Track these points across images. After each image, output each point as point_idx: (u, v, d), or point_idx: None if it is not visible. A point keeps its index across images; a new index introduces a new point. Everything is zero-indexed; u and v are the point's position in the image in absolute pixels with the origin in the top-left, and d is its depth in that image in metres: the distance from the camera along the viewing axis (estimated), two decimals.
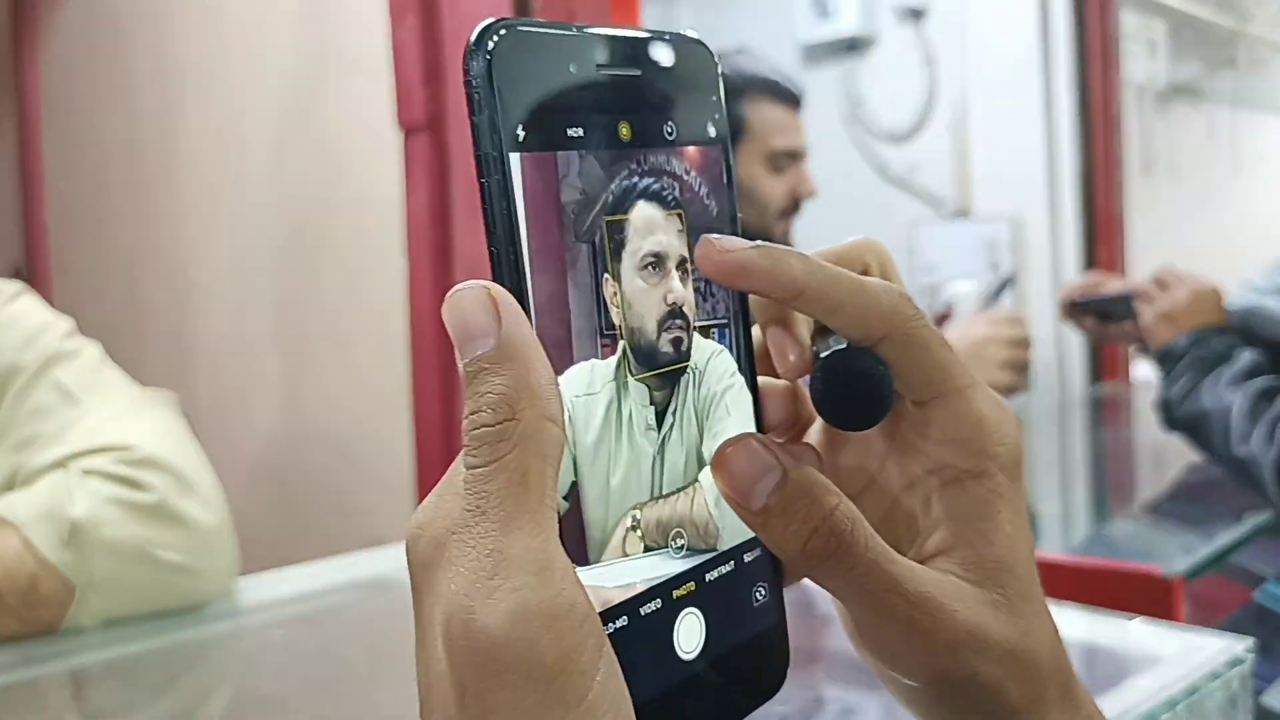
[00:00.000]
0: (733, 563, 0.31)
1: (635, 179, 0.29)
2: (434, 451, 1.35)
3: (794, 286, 0.30)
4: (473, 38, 0.26)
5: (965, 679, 0.30)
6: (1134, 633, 0.69)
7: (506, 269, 0.26)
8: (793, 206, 1.65)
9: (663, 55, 0.30)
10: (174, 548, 0.83)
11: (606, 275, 0.28)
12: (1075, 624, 0.71)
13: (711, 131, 0.31)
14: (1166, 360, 1.35)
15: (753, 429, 0.32)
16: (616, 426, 0.29)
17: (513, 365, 0.25)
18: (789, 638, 0.32)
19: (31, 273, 2.32)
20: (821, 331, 0.33)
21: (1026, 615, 0.31)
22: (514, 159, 0.26)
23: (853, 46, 2.46)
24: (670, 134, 0.30)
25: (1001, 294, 1.76)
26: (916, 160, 2.40)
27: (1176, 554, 1.03)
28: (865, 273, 0.35)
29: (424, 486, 1.38)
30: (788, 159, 1.63)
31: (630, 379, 0.29)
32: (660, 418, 0.30)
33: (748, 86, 1.60)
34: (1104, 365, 2.25)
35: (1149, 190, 2.67)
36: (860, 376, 0.30)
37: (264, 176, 1.70)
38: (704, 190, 0.31)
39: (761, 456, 0.29)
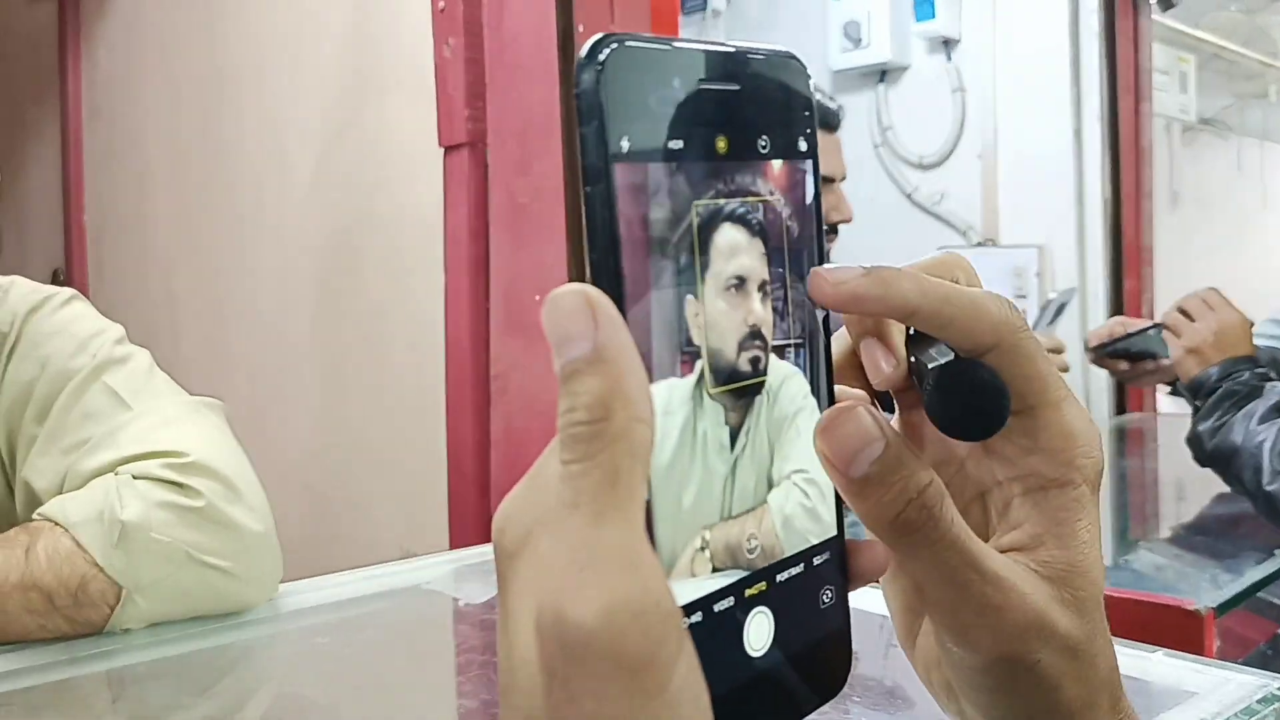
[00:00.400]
0: (803, 565, 0.32)
1: (725, 198, 0.30)
2: (466, 462, 1.37)
3: (908, 308, 0.32)
4: (584, 51, 0.27)
5: (1028, 664, 0.31)
6: (1160, 665, 0.70)
7: (606, 276, 0.27)
8: (829, 229, 1.64)
9: (760, 69, 0.31)
10: (220, 553, 0.85)
11: (690, 294, 0.29)
12: None
13: (802, 146, 0.32)
14: (1197, 394, 1.34)
15: None
16: (691, 446, 0.29)
17: (607, 368, 0.26)
18: (850, 641, 0.33)
19: (69, 277, 2.36)
20: (917, 341, 0.33)
21: (1094, 620, 0.32)
22: (618, 169, 0.27)
23: (883, 75, 2.48)
24: (764, 148, 0.31)
25: (1058, 318, 1.67)
26: (944, 188, 2.41)
27: (1204, 587, 1.03)
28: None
29: (456, 496, 1.39)
30: (824, 183, 1.63)
31: (707, 397, 0.30)
32: (734, 437, 0.30)
33: None
34: (1129, 396, 2.25)
35: (1177, 222, 2.68)
36: (981, 389, 0.31)
37: (305, 189, 1.73)
38: (790, 209, 0.32)
39: (868, 426, 0.30)
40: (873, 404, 0.34)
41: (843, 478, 0.31)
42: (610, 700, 0.24)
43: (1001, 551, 0.32)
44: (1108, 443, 2.21)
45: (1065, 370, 1.49)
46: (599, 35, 0.27)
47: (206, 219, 1.98)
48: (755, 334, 0.31)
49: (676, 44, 0.29)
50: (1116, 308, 2.19)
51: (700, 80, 0.29)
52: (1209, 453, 1.29)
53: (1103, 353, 1.62)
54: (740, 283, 0.30)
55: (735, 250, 0.30)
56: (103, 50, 2.26)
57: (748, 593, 0.30)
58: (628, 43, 0.27)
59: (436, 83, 1.37)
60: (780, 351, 0.32)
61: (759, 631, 0.30)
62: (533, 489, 0.27)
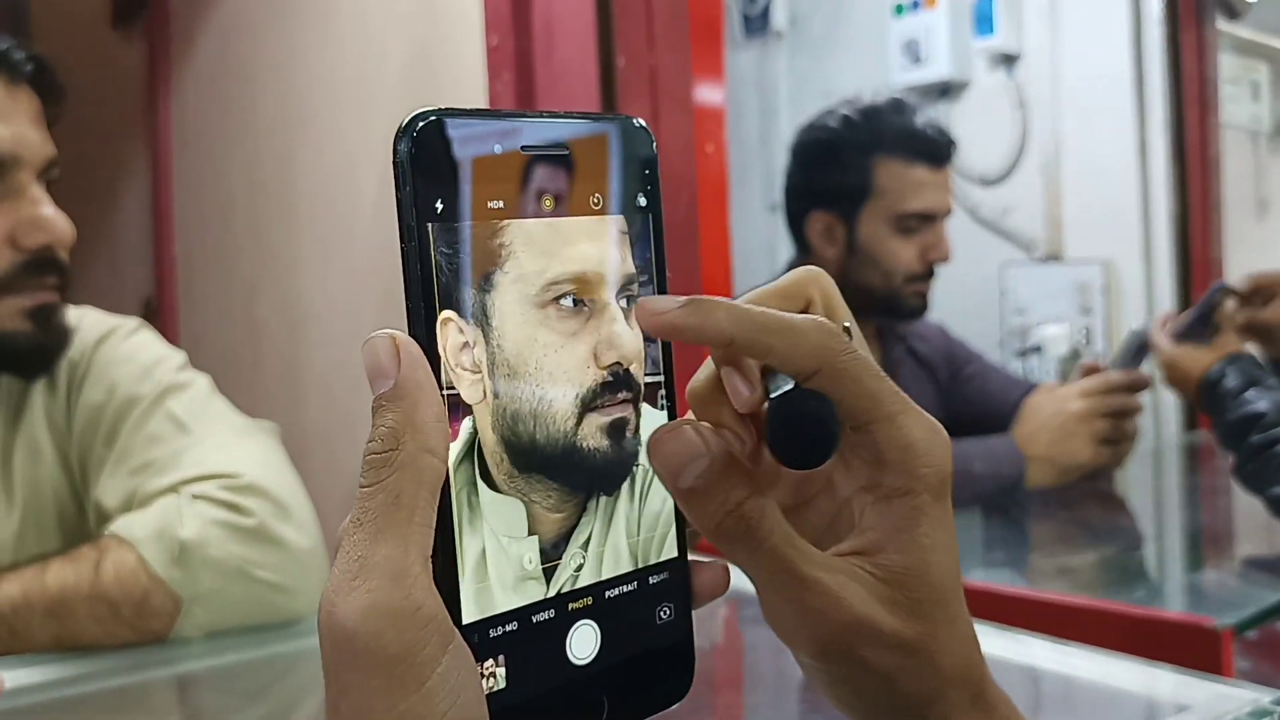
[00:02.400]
0: (635, 583, 0.34)
1: (551, 257, 0.32)
2: None
3: (723, 337, 0.33)
4: (401, 124, 0.29)
5: (852, 661, 0.33)
6: (1161, 681, 0.71)
7: (418, 324, 0.30)
8: (926, 271, 1.55)
9: (591, 134, 0.33)
10: (271, 568, 0.91)
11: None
12: (1101, 669, 0.73)
13: (642, 201, 0.34)
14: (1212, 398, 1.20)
15: None
16: None
17: (403, 403, 0.29)
18: (694, 654, 0.35)
19: (161, 304, 2.47)
20: (769, 370, 0.35)
21: (933, 620, 0.34)
22: (431, 229, 0.29)
23: (944, 91, 2.48)
24: (597, 204, 0.33)
25: (1140, 357, 1.45)
26: (1008, 203, 2.40)
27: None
28: (808, 307, 0.38)
29: None
30: (919, 221, 1.53)
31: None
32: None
33: (877, 145, 1.51)
34: (1199, 412, 2.21)
35: (1263, 233, 2.61)
36: (805, 420, 0.33)
37: (372, 217, 1.80)
38: (627, 259, 0.34)
39: (693, 442, 0.33)
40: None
41: (672, 488, 0.33)
42: (371, 693, 0.27)
43: (845, 553, 0.34)
44: (1177, 460, 2.16)
45: (1133, 412, 1.40)
46: (417, 110, 0.30)
47: (283, 247, 2.06)
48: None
49: (499, 115, 0.31)
50: None
51: (524, 146, 0.31)
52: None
53: (1182, 334, 1.48)
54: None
55: (562, 302, 0.32)
56: (190, 88, 2.37)
57: (571, 606, 0.32)
58: (445, 117, 0.30)
59: None
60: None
61: (583, 642, 0.32)
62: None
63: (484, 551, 0.31)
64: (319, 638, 0.28)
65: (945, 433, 0.35)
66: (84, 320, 1.06)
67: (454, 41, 1.55)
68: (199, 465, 0.93)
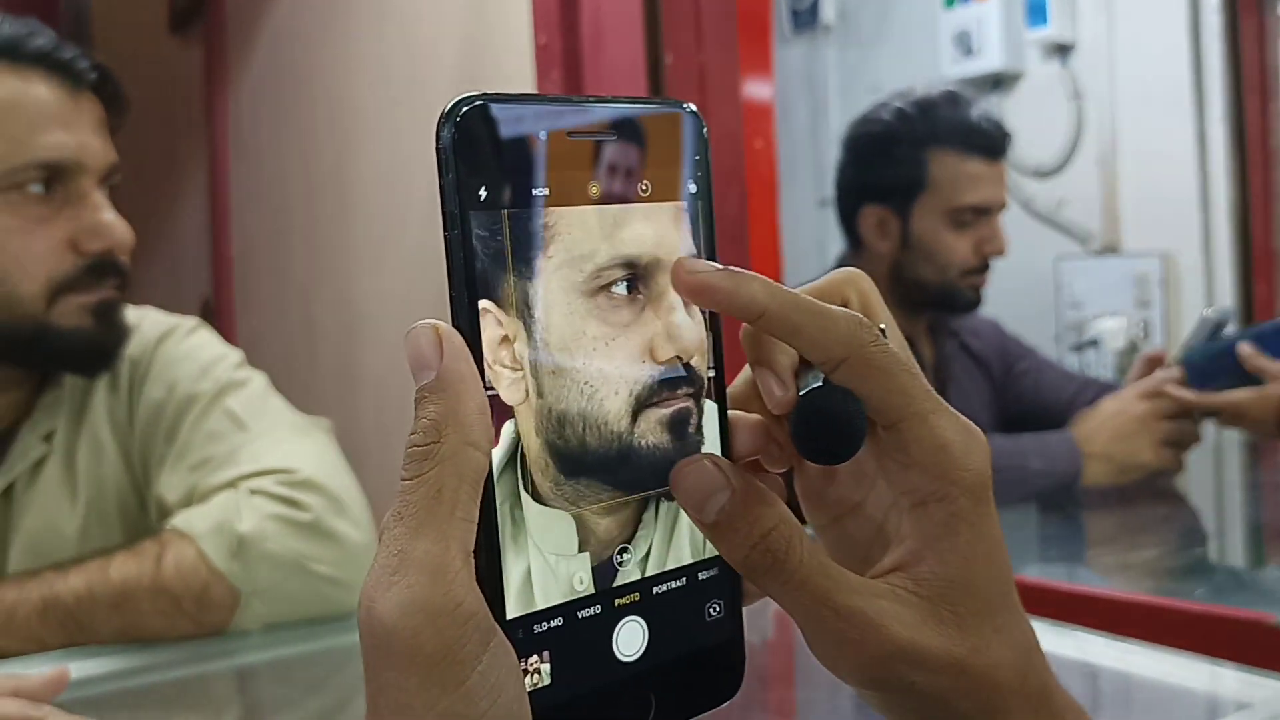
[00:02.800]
0: (684, 579, 0.33)
1: (600, 244, 0.31)
2: None
3: (755, 307, 0.32)
4: (444, 109, 0.29)
5: (902, 688, 0.32)
6: (1225, 679, 0.69)
7: (460, 315, 0.29)
8: (981, 265, 1.53)
9: (638, 119, 0.32)
10: (327, 562, 0.92)
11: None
12: (1161, 667, 0.72)
13: (691, 188, 0.33)
14: None
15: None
16: None
17: (445, 395, 0.28)
18: (745, 651, 0.34)
19: (218, 304, 2.52)
20: (804, 370, 0.34)
21: (982, 633, 0.32)
22: (474, 216, 0.29)
23: (997, 83, 2.45)
24: (645, 191, 0.32)
25: (1216, 339, 1.43)
26: (1063, 195, 2.36)
27: None
28: (844, 305, 0.36)
29: None
30: (974, 214, 1.51)
31: None
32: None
33: (932, 139, 1.50)
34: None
35: None
36: (829, 415, 0.32)
37: (425, 217, 1.82)
38: (678, 246, 0.33)
39: (714, 476, 0.32)
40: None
41: (697, 522, 0.32)
42: (408, 691, 0.27)
43: (886, 570, 0.33)
44: (1238, 456, 2.12)
45: (1189, 439, 1.36)
46: (461, 94, 0.29)
47: (338, 247, 2.09)
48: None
49: (545, 99, 0.30)
50: (1247, 314, 2.11)
51: (570, 131, 0.30)
52: None
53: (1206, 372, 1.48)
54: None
55: (608, 294, 0.31)
56: (246, 92, 2.41)
57: (618, 602, 0.31)
58: (489, 102, 0.29)
59: None
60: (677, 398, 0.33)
61: (631, 639, 0.31)
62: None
63: (529, 571, 0.30)
64: (359, 634, 0.28)
65: (981, 434, 0.33)
66: (144, 320, 1.08)
67: (503, 41, 1.57)
68: (256, 461, 0.95)
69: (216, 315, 2.53)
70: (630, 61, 1.34)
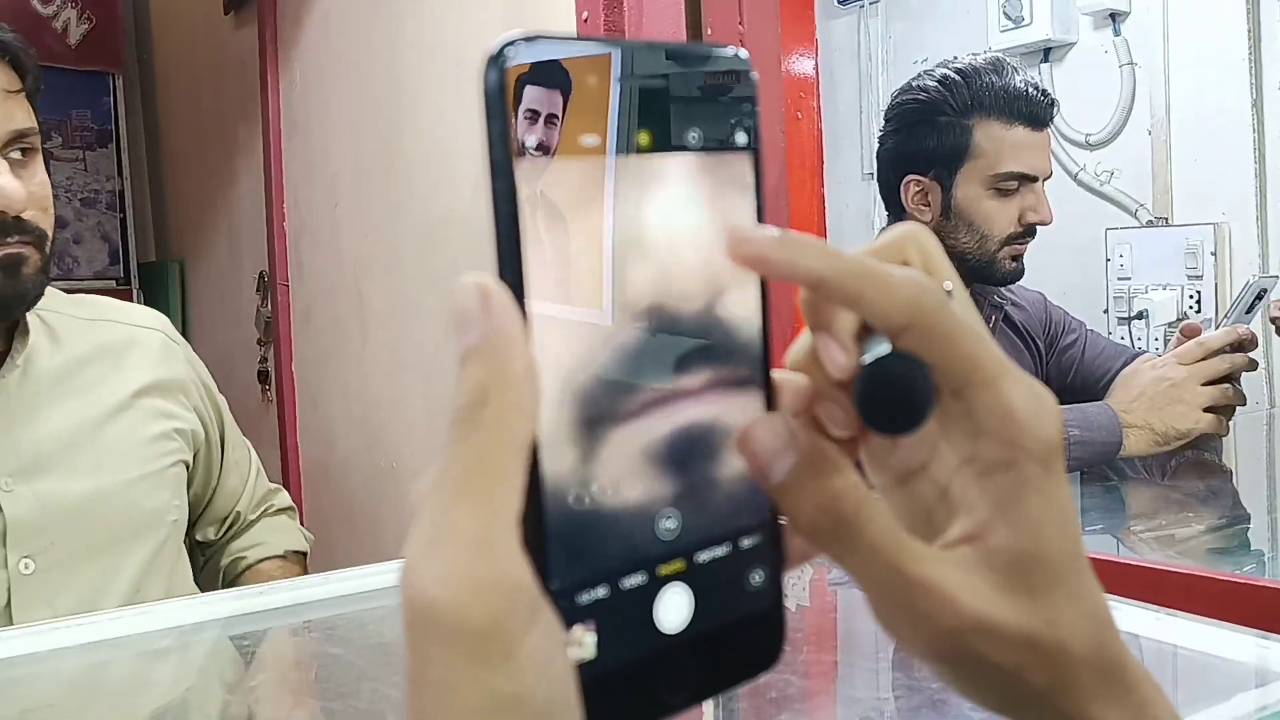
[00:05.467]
0: (729, 546, 0.32)
1: (648, 192, 0.29)
2: None
3: (812, 275, 0.30)
4: (489, 52, 0.27)
5: (972, 660, 0.31)
6: (1273, 651, 0.69)
7: (508, 269, 0.27)
8: (1022, 233, 1.51)
9: (688, 65, 0.30)
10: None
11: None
12: (1207, 638, 0.72)
13: (740, 139, 0.31)
14: None
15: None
16: None
17: (492, 356, 0.27)
18: (785, 620, 0.33)
19: (273, 278, 2.57)
20: (866, 334, 0.32)
21: (1055, 603, 0.31)
22: (520, 165, 0.27)
23: (1047, 53, 2.42)
24: (695, 141, 0.30)
25: (1256, 308, 1.43)
26: (1113, 165, 2.33)
27: None
28: (906, 264, 0.34)
29: None
30: (1017, 181, 1.49)
31: None
32: None
33: (978, 104, 1.48)
34: None
35: None
36: (896, 385, 0.30)
37: (469, 195, 1.84)
38: (722, 199, 0.31)
39: (781, 436, 0.31)
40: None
41: (763, 484, 0.31)
42: (454, 667, 0.25)
43: (954, 541, 0.31)
44: None
45: (1246, 369, 1.37)
46: (507, 35, 0.27)
47: (387, 224, 2.12)
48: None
49: (591, 40, 0.29)
50: None
51: (619, 77, 0.29)
52: None
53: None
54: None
55: (655, 246, 0.30)
56: (298, 70, 2.45)
57: (661, 570, 0.30)
58: (536, 41, 0.27)
59: None
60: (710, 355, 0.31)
61: (674, 608, 0.30)
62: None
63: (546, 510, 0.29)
64: (401, 608, 0.26)
65: (1051, 398, 0.32)
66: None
67: (547, 15, 1.58)
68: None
69: (273, 289, 2.58)
70: (672, 35, 1.35)
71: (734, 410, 0.31)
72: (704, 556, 0.31)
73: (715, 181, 0.31)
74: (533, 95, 0.27)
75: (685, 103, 0.30)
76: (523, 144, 0.27)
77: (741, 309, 0.32)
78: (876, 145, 1.63)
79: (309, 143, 2.42)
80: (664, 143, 0.29)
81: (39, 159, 1.03)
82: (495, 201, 0.27)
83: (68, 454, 1.05)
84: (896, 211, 1.59)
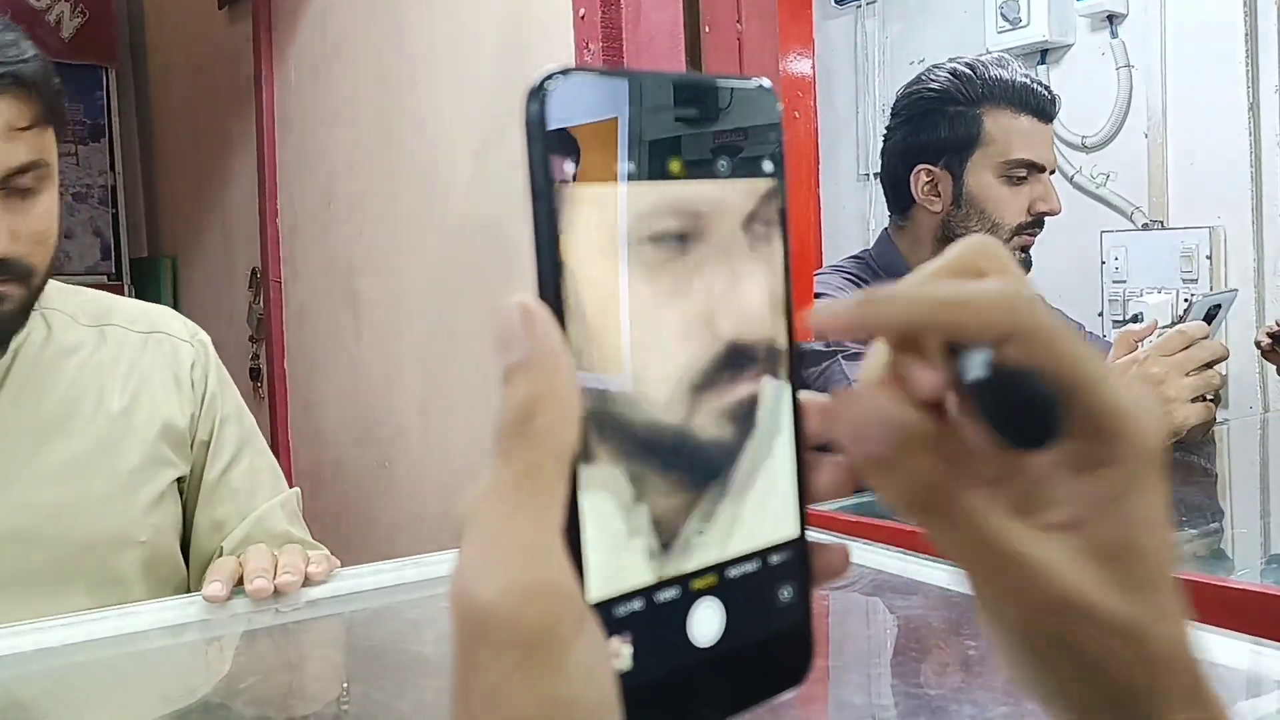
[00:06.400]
0: (759, 561, 0.32)
1: (678, 219, 0.31)
2: None
3: (905, 324, 0.31)
4: (532, 84, 0.29)
5: (1061, 644, 0.30)
6: (1268, 658, 0.68)
7: (548, 289, 0.29)
8: (1031, 222, 1.53)
9: (718, 96, 0.32)
10: None
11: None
12: (1202, 644, 0.71)
13: (768, 167, 0.33)
14: None
15: (790, 448, 0.33)
16: None
17: (537, 373, 0.28)
18: (813, 636, 0.34)
19: (265, 276, 2.56)
20: (955, 347, 0.32)
21: (1149, 601, 0.31)
22: (562, 191, 0.29)
23: (1044, 55, 2.41)
24: (724, 169, 0.32)
25: (1214, 320, 1.45)
26: (1109, 168, 2.33)
27: None
28: (982, 277, 0.34)
29: None
30: (1026, 170, 1.51)
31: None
32: None
33: (987, 94, 1.51)
34: None
35: None
36: (1025, 396, 0.30)
37: (465, 190, 1.83)
38: (750, 225, 0.32)
39: (881, 408, 0.31)
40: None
41: (859, 457, 0.31)
42: (508, 672, 0.26)
43: (1052, 527, 0.31)
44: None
45: (1220, 359, 1.38)
46: (550, 68, 0.29)
47: (382, 219, 2.11)
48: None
49: (627, 73, 0.30)
50: None
51: (652, 107, 0.30)
52: None
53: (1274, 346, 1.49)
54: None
55: (687, 271, 0.31)
56: (292, 66, 2.44)
57: (695, 585, 0.31)
58: (574, 74, 0.29)
59: None
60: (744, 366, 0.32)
61: (706, 622, 0.31)
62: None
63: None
64: (452, 616, 0.27)
65: (1151, 400, 0.32)
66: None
67: (544, 12, 1.57)
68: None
69: (266, 285, 2.57)
70: (669, 33, 1.34)
71: (764, 426, 0.32)
72: (735, 572, 0.32)
73: (745, 208, 0.32)
74: (571, 123, 0.29)
75: (717, 132, 0.32)
76: (562, 170, 0.29)
77: (770, 327, 0.32)
78: (882, 141, 1.63)
79: (303, 139, 2.41)
80: (696, 171, 0.31)
81: (47, 191, 0.98)
82: (536, 225, 0.29)
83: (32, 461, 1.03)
84: (904, 205, 1.59)
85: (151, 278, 3.59)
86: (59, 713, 0.78)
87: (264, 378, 2.67)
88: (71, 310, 1.11)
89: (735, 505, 0.32)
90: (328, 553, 1.01)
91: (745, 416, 0.32)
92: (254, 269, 2.71)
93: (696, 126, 0.31)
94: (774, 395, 0.33)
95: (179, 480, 1.11)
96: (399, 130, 2.03)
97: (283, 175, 2.51)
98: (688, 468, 0.31)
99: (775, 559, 0.33)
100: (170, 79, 3.52)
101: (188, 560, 1.13)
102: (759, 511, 0.32)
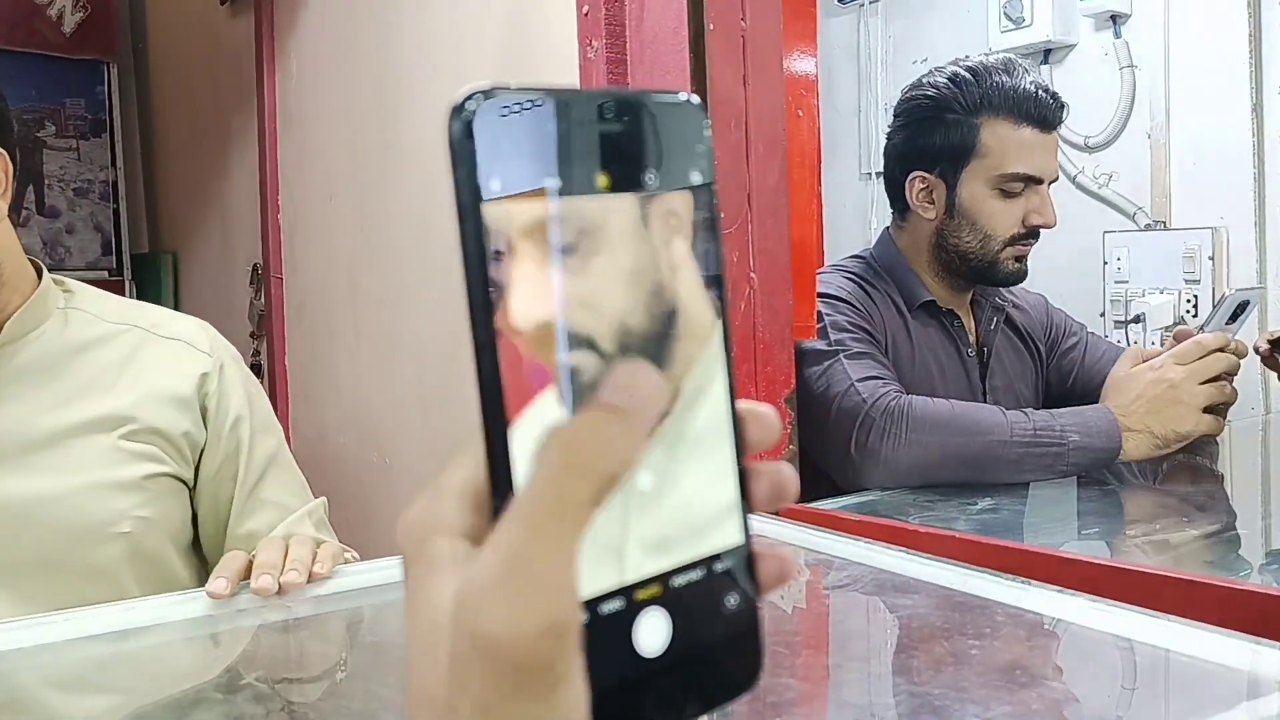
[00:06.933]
0: (703, 570, 0.32)
1: (607, 232, 0.31)
2: None
3: None
4: (453, 103, 0.29)
5: None
6: (1267, 658, 0.68)
7: (478, 307, 0.29)
8: (1025, 234, 1.50)
9: (643, 110, 0.32)
10: None
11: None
12: (1201, 644, 0.71)
13: (696, 179, 0.33)
14: None
15: (731, 456, 0.34)
16: None
17: (629, 424, 0.29)
18: (763, 642, 0.34)
19: (266, 271, 2.56)
20: None
21: None
22: (487, 209, 0.29)
23: (1047, 54, 2.41)
24: (651, 182, 0.32)
25: (1239, 319, 1.43)
26: (1111, 168, 2.33)
27: None
28: None
29: None
30: (1022, 183, 1.48)
31: None
32: None
33: (986, 104, 1.48)
34: None
35: None
36: None
37: None
38: (678, 238, 0.33)
39: None
40: None
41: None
42: (502, 695, 0.27)
43: None
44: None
45: (1233, 373, 1.36)
46: (471, 87, 0.30)
47: (382, 217, 2.11)
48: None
49: (551, 91, 0.30)
50: None
51: (577, 124, 0.31)
52: None
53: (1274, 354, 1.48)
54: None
55: (619, 285, 0.31)
56: (294, 62, 2.44)
57: (639, 595, 0.31)
58: (497, 94, 0.30)
59: (581, 83, 1.44)
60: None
61: (652, 631, 0.31)
62: (433, 499, 0.31)
63: None
64: (456, 627, 0.27)
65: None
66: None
67: (546, 10, 1.57)
68: None
69: (266, 281, 2.57)
70: (673, 30, 1.34)
71: (699, 439, 0.33)
72: (679, 581, 0.32)
73: (673, 220, 0.33)
74: (495, 142, 0.29)
75: (642, 147, 0.32)
76: (488, 188, 0.29)
77: (704, 339, 0.33)
78: (885, 140, 1.62)
79: (304, 135, 2.41)
80: (623, 185, 0.31)
81: None
82: (464, 244, 0.29)
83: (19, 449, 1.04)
84: (901, 208, 1.59)
85: (152, 273, 3.59)
86: (62, 708, 0.77)
87: (264, 373, 2.67)
88: (97, 310, 1.14)
89: (676, 514, 0.32)
90: (355, 554, 1.03)
91: (682, 427, 0.32)
92: (255, 264, 2.71)
93: (622, 142, 0.31)
94: (712, 405, 0.33)
95: (177, 481, 1.12)
96: (398, 127, 2.03)
97: (284, 170, 2.50)
98: (626, 480, 0.31)
99: (719, 566, 0.33)
100: (172, 74, 3.52)
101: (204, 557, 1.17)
102: (701, 520, 0.33)
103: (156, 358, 1.14)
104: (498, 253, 0.30)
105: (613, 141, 0.31)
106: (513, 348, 0.30)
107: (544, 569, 0.27)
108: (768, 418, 0.34)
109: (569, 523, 0.27)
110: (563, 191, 0.30)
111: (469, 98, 0.29)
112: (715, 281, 0.33)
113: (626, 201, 0.32)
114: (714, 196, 0.34)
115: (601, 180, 0.31)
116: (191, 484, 1.14)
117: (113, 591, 1.04)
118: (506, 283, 0.30)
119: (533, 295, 0.30)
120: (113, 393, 1.09)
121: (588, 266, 0.31)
